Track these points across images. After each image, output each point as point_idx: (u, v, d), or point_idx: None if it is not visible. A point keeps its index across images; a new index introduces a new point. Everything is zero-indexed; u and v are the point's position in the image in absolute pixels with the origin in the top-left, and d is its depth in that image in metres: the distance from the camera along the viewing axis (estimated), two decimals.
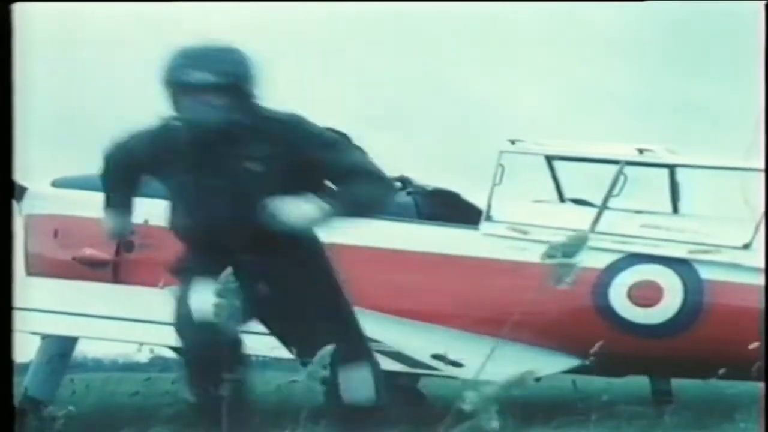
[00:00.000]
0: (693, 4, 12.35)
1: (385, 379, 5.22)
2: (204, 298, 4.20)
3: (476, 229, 7.98)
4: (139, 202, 9.09)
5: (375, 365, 5.14)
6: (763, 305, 6.80)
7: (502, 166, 8.03)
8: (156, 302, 8.07)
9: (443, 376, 7.53)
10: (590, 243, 7.75)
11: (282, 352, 7.15)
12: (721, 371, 7.20)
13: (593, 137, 8.69)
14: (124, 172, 5.18)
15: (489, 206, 7.99)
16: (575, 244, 3.55)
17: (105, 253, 8.73)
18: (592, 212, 7.89)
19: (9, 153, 3.40)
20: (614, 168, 7.92)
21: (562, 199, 8.61)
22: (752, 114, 6.98)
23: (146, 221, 8.80)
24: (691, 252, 7.53)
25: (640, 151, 8.03)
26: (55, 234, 8.99)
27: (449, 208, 8.38)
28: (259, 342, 7.02)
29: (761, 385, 6.28)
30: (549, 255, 3.38)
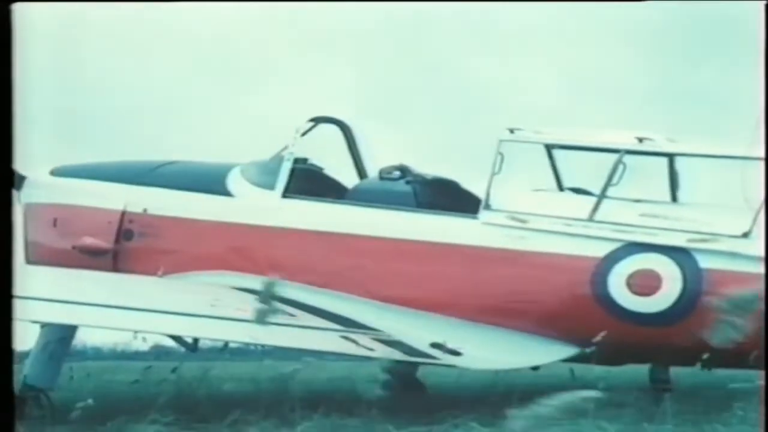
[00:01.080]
0: (694, 3, 12.34)
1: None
2: None
3: (475, 218, 7.98)
4: (138, 190, 9.08)
5: None
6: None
7: (501, 154, 8.03)
8: (155, 290, 8.10)
9: (442, 365, 7.53)
10: (589, 232, 7.82)
11: (284, 341, 7.16)
12: (720, 360, 7.20)
13: (593, 126, 8.67)
14: None
15: (488, 195, 7.98)
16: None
17: (104, 242, 8.73)
18: (591, 201, 7.89)
19: (9, 144, 3.40)
20: (613, 157, 7.91)
21: (561, 188, 8.60)
22: (752, 104, 6.97)
23: (145, 210, 8.82)
24: (690, 241, 7.52)
25: (640, 140, 8.02)
26: (55, 223, 8.99)
27: (448, 197, 8.37)
28: (262, 331, 7.04)
29: (760, 373, 6.29)
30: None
